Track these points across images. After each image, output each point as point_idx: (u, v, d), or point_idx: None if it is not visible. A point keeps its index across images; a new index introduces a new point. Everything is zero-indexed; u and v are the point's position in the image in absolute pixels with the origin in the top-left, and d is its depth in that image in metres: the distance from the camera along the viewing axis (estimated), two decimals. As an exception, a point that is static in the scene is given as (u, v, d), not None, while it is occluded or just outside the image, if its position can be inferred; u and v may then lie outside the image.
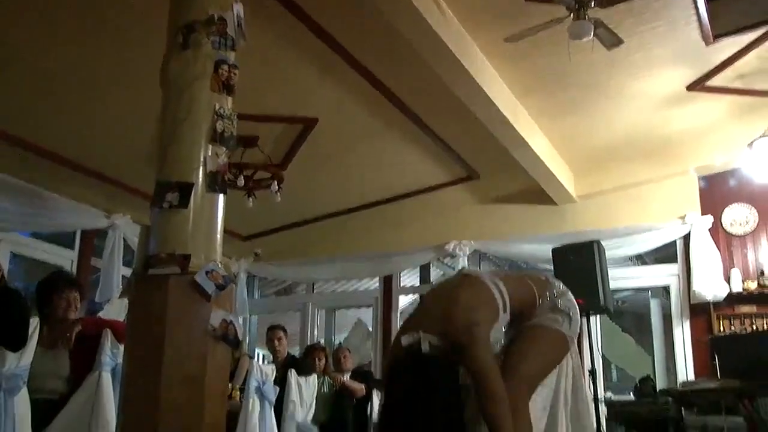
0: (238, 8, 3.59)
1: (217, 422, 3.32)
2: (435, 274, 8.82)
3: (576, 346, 2.96)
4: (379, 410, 2.67)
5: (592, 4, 4.37)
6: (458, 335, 2.52)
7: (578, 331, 2.97)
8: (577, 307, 2.91)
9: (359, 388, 6.62)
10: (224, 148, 3.49)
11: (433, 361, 2.50)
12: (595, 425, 3.06)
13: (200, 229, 3.37)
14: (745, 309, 6.75)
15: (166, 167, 3.43)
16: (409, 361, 2.54)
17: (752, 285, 6.73)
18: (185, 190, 3.34)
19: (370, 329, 9.37)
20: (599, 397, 5.84)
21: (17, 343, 3.58)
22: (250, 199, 6.27)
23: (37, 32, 4.63)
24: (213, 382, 3.26)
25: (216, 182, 3.44)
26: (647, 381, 6.43)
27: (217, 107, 3.48)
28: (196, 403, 3.17)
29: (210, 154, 3.44)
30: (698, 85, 5.85)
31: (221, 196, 3.48)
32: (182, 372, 3.18)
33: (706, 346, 6.63)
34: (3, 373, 3.52)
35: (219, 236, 3.46)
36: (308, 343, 8.00)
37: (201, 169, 3.40)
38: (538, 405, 2.81)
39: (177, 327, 3.21)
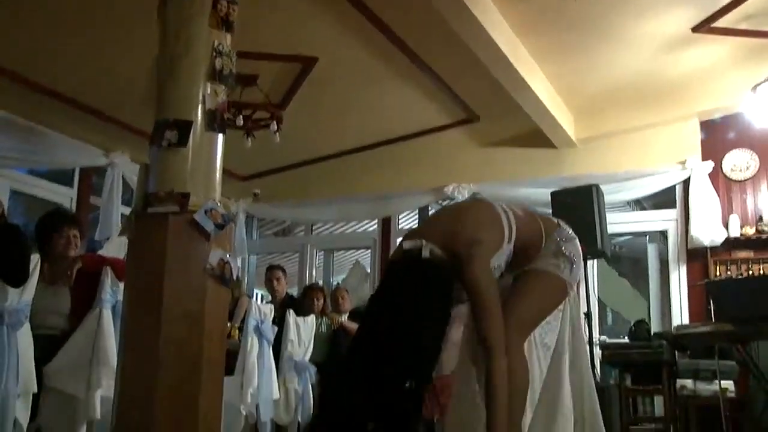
0: (237, -58, 3.52)
1: (217, 358, 3.37)
2: (434, 217, 8.82)
3: (576, 292, 2.97)
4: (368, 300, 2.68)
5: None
6: (460, 249, 2.54)
7: (578, 278, 2.97)
8: (581, 255, 2.90)
9: (356, 328, 6.67)
10: (223, 86, 3.46)
11: (431, 264, 2.52)
12: (590, 367, 3.09)
13: (199, 168, 3.36)
14: (743, 254, 6.76)
15: (164, 105, 3.41)
16: (407, 262, 2.56)
17: (750, 230, 6.73)
18: (184, 128, 3.32)
19: (369, 271, 9.43)
20: (594, 340, 5.90)
21: (19, 279, 3.59)
22: (249, 139, 6.23)
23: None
24: (212, 319, 3.30)
25: (215, 121, 3.41)
26: (642, 325, 6.48)
27: (216, 44, 3.44)
28: (196, 338, 3.21)
29: (209, 92, 3.41)
30: (704, 27, 5.74)
31: (220, 135, 3.46)
32: (182, 309, 3.21)
33: (702, 291, 6.66)
34: (5, 308, 3.54)
35: (218, 175, 3.45)
36: (307, 284, 8.06)
37: (200, 107, 3.38)
38: (537, 341, 2.85)
39: (176, 265, 3.23)
